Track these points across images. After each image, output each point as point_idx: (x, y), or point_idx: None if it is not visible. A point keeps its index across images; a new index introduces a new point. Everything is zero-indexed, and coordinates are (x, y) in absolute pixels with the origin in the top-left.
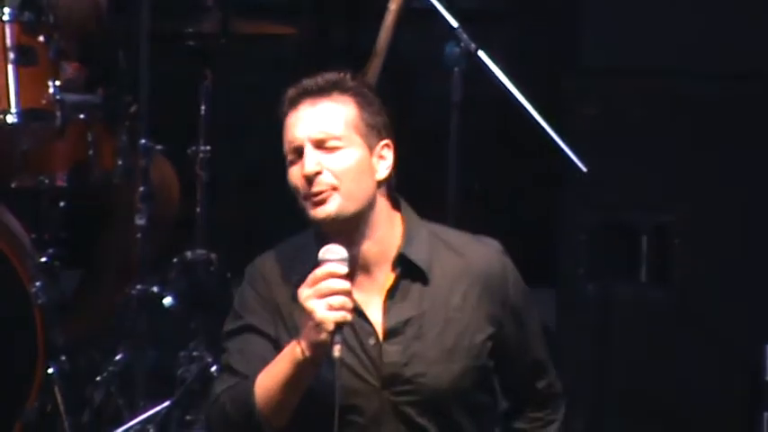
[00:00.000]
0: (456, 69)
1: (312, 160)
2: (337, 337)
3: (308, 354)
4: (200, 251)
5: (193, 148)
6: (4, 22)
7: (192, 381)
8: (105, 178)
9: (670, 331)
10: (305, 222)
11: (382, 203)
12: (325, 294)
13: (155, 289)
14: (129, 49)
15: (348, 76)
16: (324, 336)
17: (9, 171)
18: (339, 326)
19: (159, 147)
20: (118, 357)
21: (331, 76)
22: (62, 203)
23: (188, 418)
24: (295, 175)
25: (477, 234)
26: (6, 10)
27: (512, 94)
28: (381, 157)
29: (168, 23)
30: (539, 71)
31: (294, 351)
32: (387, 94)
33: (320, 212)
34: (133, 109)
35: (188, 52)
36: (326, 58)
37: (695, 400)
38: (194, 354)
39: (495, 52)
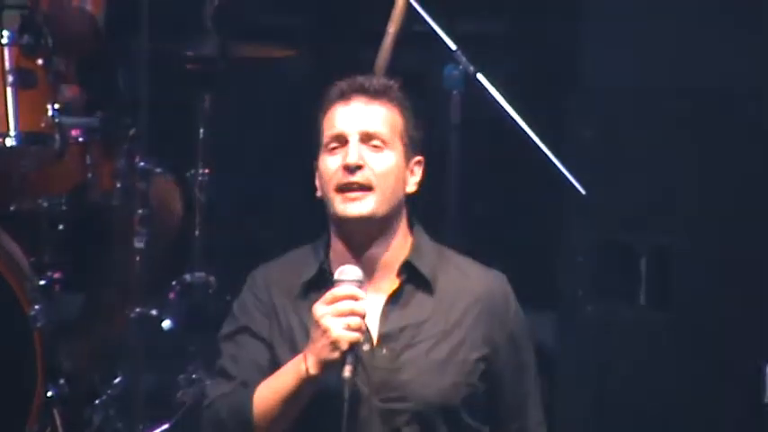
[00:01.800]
0: (455, 92)
1: (357, 152)
2: (350, 358)
3: (314, 371)
4: (198, 274)
5: (192, 171)
6: (2, 45)
7: (191, 404)
8: (104, 201)
9: (669, 353)
10: (305, 243)
11: (403, 217)
12: (344, 314)
13: (153, 312)
14: (127, 72)
15: (397, 86)
16: (336, 355)
17: (8, 194)
18: (352, 346)
19: (158, 169)
20: (117, 380)
21: (384, 81)
22: (61, 226)
23: None
24: (332, 163)
25: (476, 256)
26: (5, 33)
27: (511, 116)
28: (413, 172)
29: (167, 46)
30: (538, 93)
31: (299, 367)
32: None
33: (353, 209)
34: (132, 132)
35: (187, 75)
36: (325, 80)
37: (695, 421)
38: (193, 377)
39: (494, 74)
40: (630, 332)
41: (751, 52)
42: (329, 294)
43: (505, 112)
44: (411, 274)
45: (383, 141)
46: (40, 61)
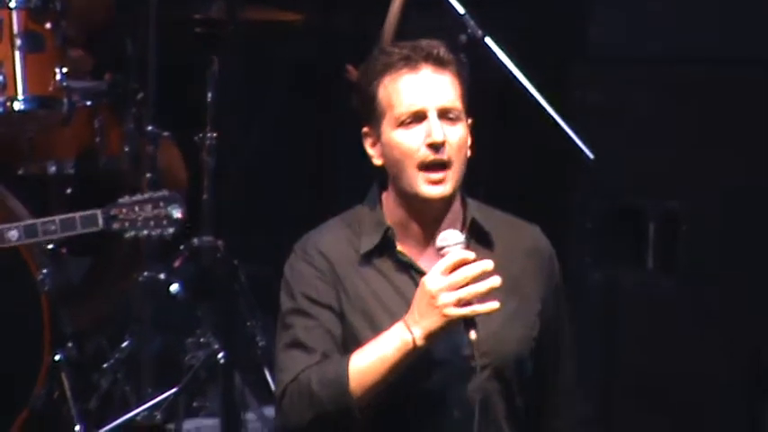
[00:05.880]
0: (462, 55)
1: (441, 129)
2: (470, 321)
3: (422, 343)
4: (206, 238)
5: (200, 134)
6: (11, 8)
7: (199, 368)
8: (112, 165)
9: (676, 318)
10: (311, 208)
11: None
12: (457, 286)
13: (161, 276)
14: (136, 35)
15: (448, 48)
16: (447, 328)
17: (16, 158)
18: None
19: (166, 133)
20: (125, 344)
21: (444, 46)
22: (69, 190)
23: (195, 404)
24: (410, 139)
25: None
26: None
27: (518, 80)
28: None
29: (176, 10)
30: (546, 58)
31: (403, 338)
32: None
33: (436, 191)
34: (140, 95)
35: (195, 38)
36: (333, 44)
37: (700, 385)
38: (201, 341)
39: (501, 39)
40: (638, 297)
41: (754, 19)
42: (439, 265)
43: (513, 76)
44: (472, 232)
45: (458, 113)
46: (48, 25)
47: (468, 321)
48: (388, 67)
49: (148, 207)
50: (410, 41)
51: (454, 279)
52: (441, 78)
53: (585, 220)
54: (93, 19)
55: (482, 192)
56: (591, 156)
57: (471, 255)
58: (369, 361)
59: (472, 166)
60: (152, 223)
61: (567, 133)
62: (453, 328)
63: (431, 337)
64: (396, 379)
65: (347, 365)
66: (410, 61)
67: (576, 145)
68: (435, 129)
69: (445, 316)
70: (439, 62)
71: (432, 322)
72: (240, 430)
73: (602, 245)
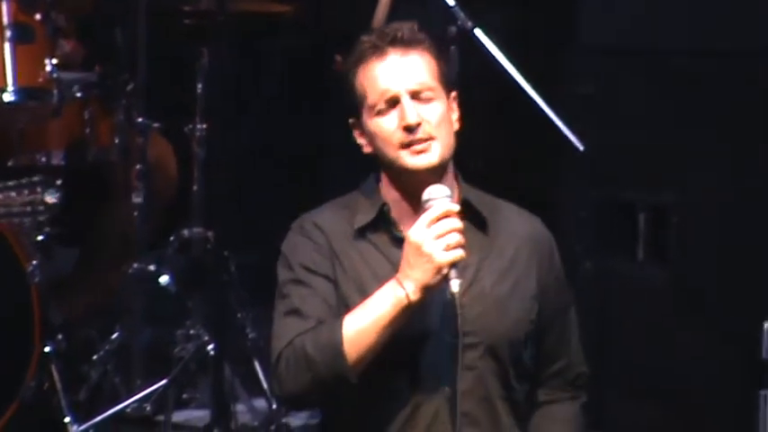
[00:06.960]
0: (452, 48)
1: (413, 111)
2: (453, 272)
3: (415, 297)
4: (196, 229)
5: (190, 126)
6: None
7: (189, 359)
8: (102, 156)
9: (667, 309)
10: (302, 200)
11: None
12: (443, 235)
13: (152, 267)
14: (126, 26)
15: (417, 27)
16: (439, 278)
17: (6, 149)
18: (454, 263)
19: (156, 124)
20: (114, 336)
21: (408, 27)
22: (59, 182)
23: (185, 396)
24: (387, 124)
25: None
26: None
27: (509, 72)
28: (452, 108)
29: (165, 1)
30: (536, 49)
31: (396, 295)
32: None
33: (422, 161)
34: (130, 87)
35: (185, 30)
36: (322, 36)
37: (692, 377)
38: (191, 332)
39: (491, 30)
40: (628, 288)
41: (745, 10)
42: (424, 218)
43: (503, 67)
44: (466, 213)
45: (431, 91)
46: (38, 16)
47: (451, 273)
48: (360, 57)
49: (24, 192)
50: (380, 28)
51: (439, 229)
52: (408, 60)
53: (576, 211)
54: (83, 11)
55: (473, 183)
56: (581, 147)
57: (456, 207)
58: (363, 322)
59: (463, 159)
60: (28, 209)
61: (557, 124)
62: (443, 283)
63: (423, 289)
64: (388, 348)
65: (341, 328)
66: (377, 49)
67: (567, 136)
68: (408, 111)
69: (434, 262)
70: (404, 44)
71: (422, 272)
72: (230, 422)
73: (593, 235)
